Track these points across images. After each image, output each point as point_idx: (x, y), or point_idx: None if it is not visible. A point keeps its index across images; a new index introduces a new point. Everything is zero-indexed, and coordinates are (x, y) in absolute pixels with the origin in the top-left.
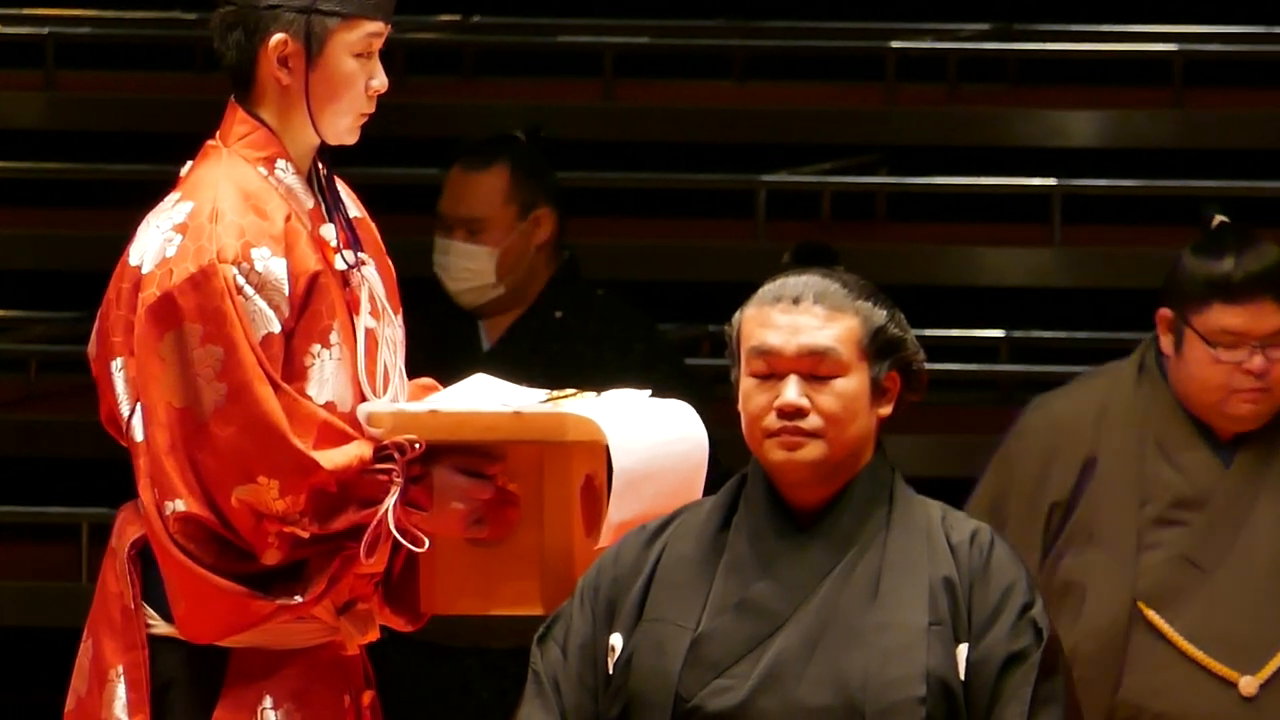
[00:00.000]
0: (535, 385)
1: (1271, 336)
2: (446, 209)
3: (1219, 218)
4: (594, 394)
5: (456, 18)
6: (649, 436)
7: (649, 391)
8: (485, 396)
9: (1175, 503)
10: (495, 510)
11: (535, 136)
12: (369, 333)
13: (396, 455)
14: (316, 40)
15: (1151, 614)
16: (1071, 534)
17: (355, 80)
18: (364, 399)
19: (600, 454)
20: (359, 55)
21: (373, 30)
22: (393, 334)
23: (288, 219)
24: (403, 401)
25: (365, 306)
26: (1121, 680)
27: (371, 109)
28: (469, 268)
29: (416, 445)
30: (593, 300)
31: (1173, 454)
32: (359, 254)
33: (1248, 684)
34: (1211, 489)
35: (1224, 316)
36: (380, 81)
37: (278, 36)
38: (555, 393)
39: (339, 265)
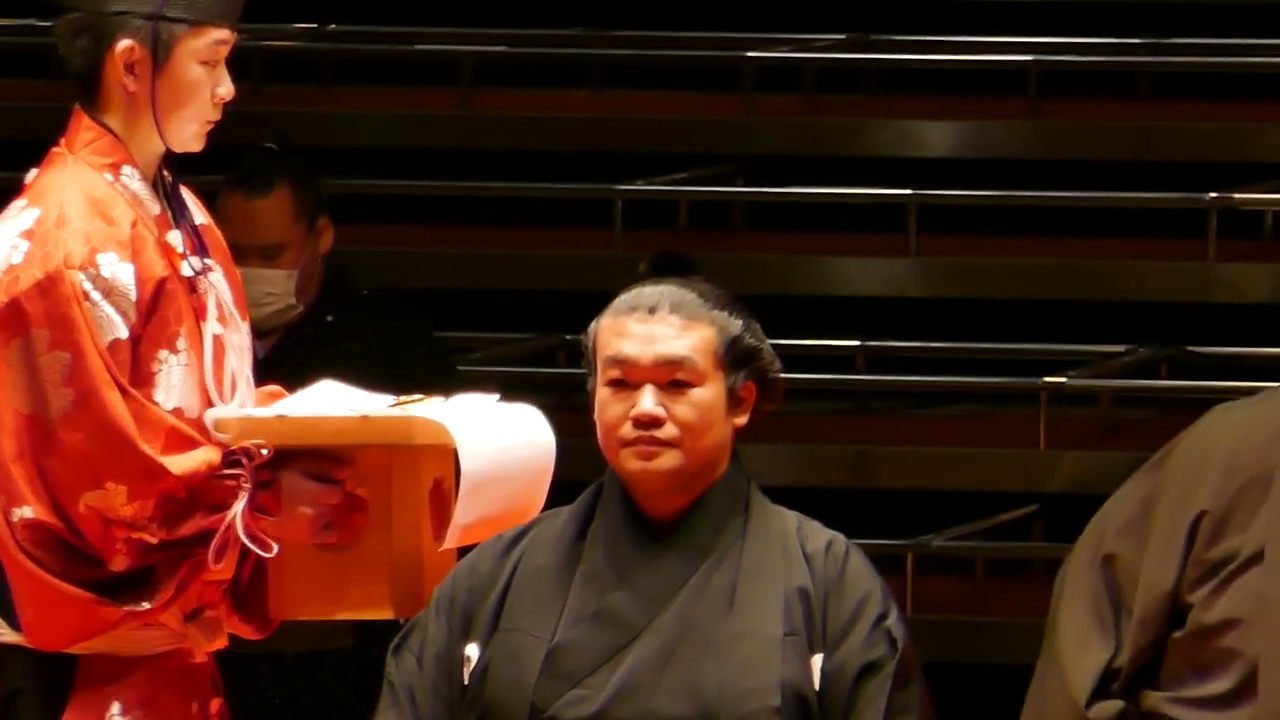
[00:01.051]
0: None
1: None
2: (240, 239)
3: None
4: (441, 398)
5: (313, 25)
6: (496, 440)
7: (497, 396)
8: (333, 401)
9: None
10: (343, 515)
11: (288, 144)
12: (216, 339)
13: (244, 461)
14: (163, 47)
15: None
16: (1234, 565)
17: (201, 88)
18: (211, 405)
19: (448, 458)
20: (205, 63)
21: (219, 38)
22: (240, 340)
23: (134, 225)
24: (250, 407)
25: (212, 313)
26: None
27: (217, 116)
28: (270, 292)
29: (264, 451)
30: (360, 301)
31: None
32: (205, 260)
33: None
34: None
35: None
36: (226, 89)
37: (125, 43)
38: (403, 397)
39: (185, 271)
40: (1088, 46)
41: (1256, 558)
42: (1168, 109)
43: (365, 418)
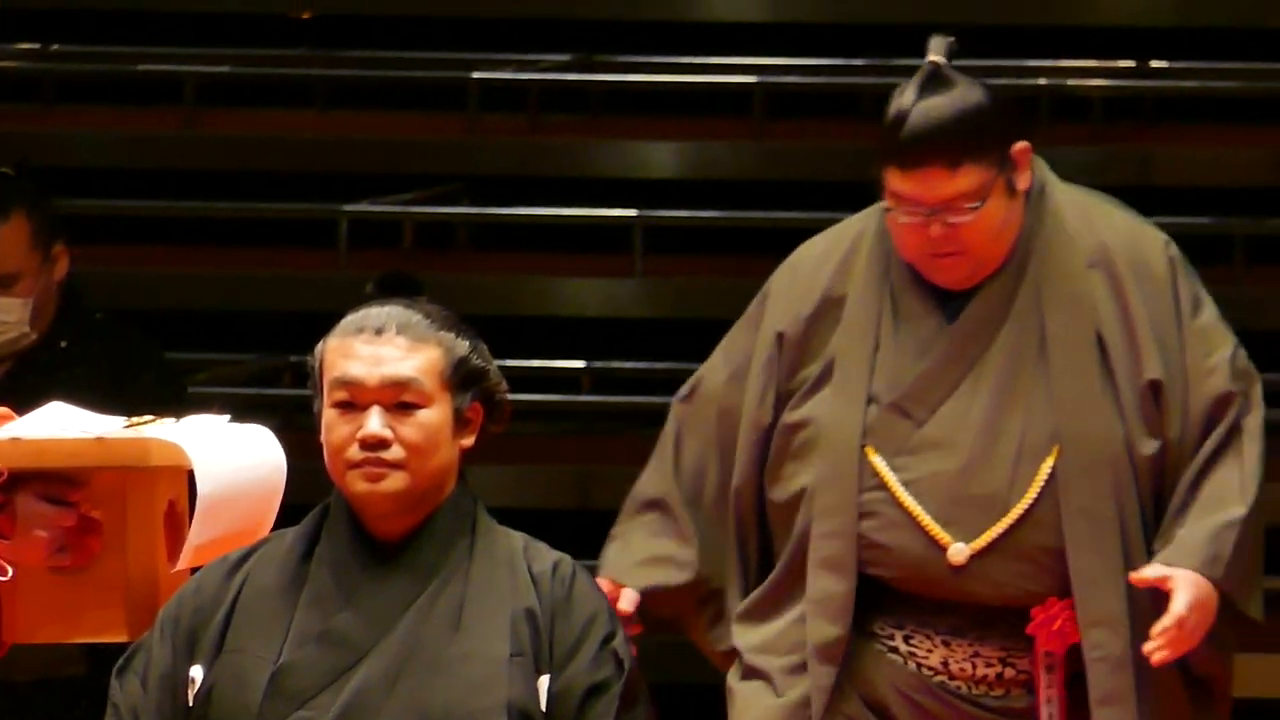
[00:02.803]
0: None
1: (946, 203)
2: None
3: (934, 56)
4: (173, 420)
5: (36, 46)
6: (229, 460)
7: (228, 417)
8: (65, 424)
9: (901, 350)
10: (78, 537)
11: (27, 168)
12: None
13: None
14: None
15: (878, 459)
16: (809, 376)
17: None
18: None
19: (182, 479)
20: None
21: None
22: None
23: None
24: None
25: None
26: (859, 533)
27: None
28: (5, 320)
29: None
30: (93, 324)
31: (901, 300)
32: None
33: (957, 552)
34: (932, 338)
35: (895, 180)
36: None
37: None
38: (135, 419)
39: None
40: (812, 68)
41: (827, 371)
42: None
43: (100, 439)
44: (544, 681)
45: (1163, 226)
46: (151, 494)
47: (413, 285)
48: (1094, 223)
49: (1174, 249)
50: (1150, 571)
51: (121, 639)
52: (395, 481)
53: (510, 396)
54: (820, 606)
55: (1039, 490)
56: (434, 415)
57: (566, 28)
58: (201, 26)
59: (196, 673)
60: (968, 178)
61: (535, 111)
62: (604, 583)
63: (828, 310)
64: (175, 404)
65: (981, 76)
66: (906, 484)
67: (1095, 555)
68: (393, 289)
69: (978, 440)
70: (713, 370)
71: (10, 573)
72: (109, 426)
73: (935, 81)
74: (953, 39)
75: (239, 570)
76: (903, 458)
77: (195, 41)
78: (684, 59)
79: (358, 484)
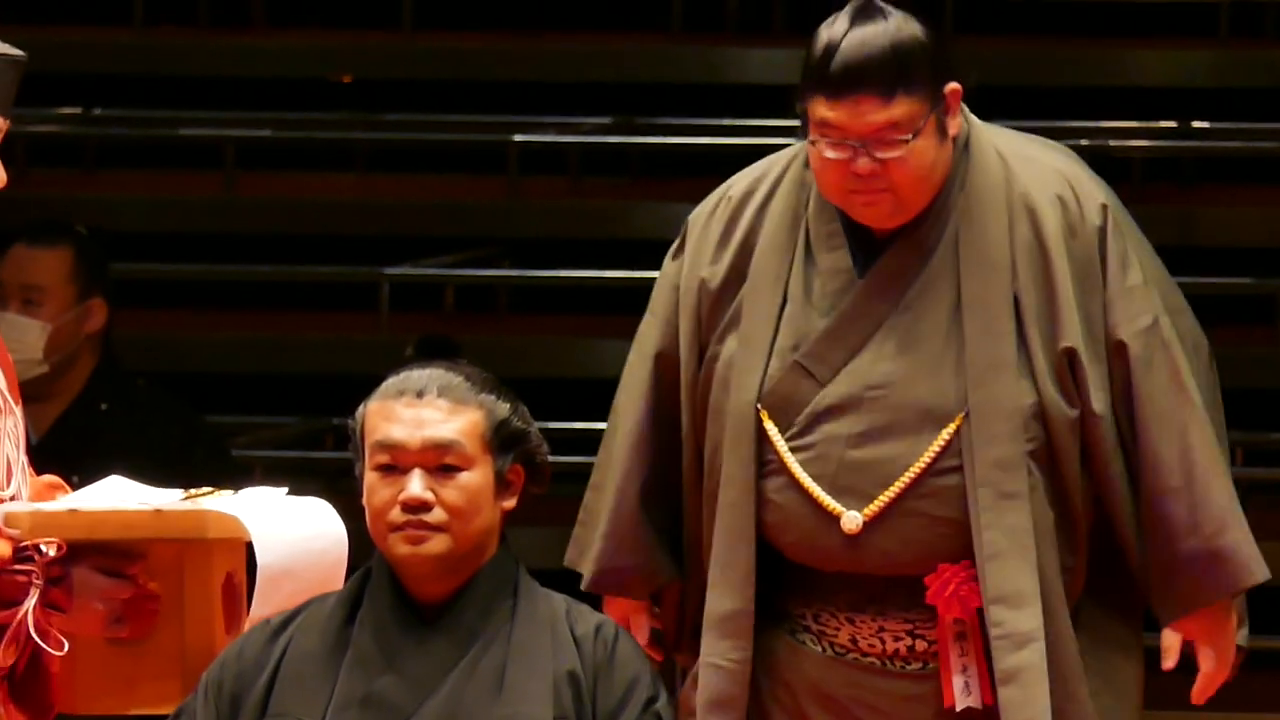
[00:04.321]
0: (85, 477)
1: (876, 134)
2: (6, 277)
3: None
4: (230, 491)
5: (78, 110)
6: (290, 533)
7: (285, 489)
8: (123, 495)
9: (809, 304)
10: (135, 609)
11: (98, 233)
12: None
13: (36, 556)
14: None
15: (770, 425)
16: (729, 324)
17: None
18: None
19: (240, 551)
20: None
21: None
22: (14, 426)
23: None
24: (24, 494)
25: None
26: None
27: None
28: (19, 340)
29: (55, 547)
30: (134, 390)
31: (816, 250)
32: None
33: (850, 520)
34: (841, 292)
35: (822, 109)
36: None
37: None
38: (193, 490)
39: None
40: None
41: (738, 319)
42: None
43: (158, 511)
44: None
45: (1203, 287)
46: (209, 566)
47: (453, 348)
48: (1021, 175)
49: (1111, 201)
50: (1172, 648)
51: None
52: (437, 544)
53: (551, 458)
54: (721, 575)
55: (936, 456)
56: (475, 478)
57: (606, 90)
58: (242, 90)
59: None
60: (900, 108)
61: (575, 174)
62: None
63: (747, 257)
64: (228, 475)
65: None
66: (800, 449)
67: (999, 529)
68: (433, 351)
69: (880, 403)
70: (646, 329)
71: (67, 645)
72: (167, 499)
73: (869, 11)
74: None
75: (282, 634)
76: (798, 421)
77: (236, 105)
78: (723, 121)
79: (400, 547)
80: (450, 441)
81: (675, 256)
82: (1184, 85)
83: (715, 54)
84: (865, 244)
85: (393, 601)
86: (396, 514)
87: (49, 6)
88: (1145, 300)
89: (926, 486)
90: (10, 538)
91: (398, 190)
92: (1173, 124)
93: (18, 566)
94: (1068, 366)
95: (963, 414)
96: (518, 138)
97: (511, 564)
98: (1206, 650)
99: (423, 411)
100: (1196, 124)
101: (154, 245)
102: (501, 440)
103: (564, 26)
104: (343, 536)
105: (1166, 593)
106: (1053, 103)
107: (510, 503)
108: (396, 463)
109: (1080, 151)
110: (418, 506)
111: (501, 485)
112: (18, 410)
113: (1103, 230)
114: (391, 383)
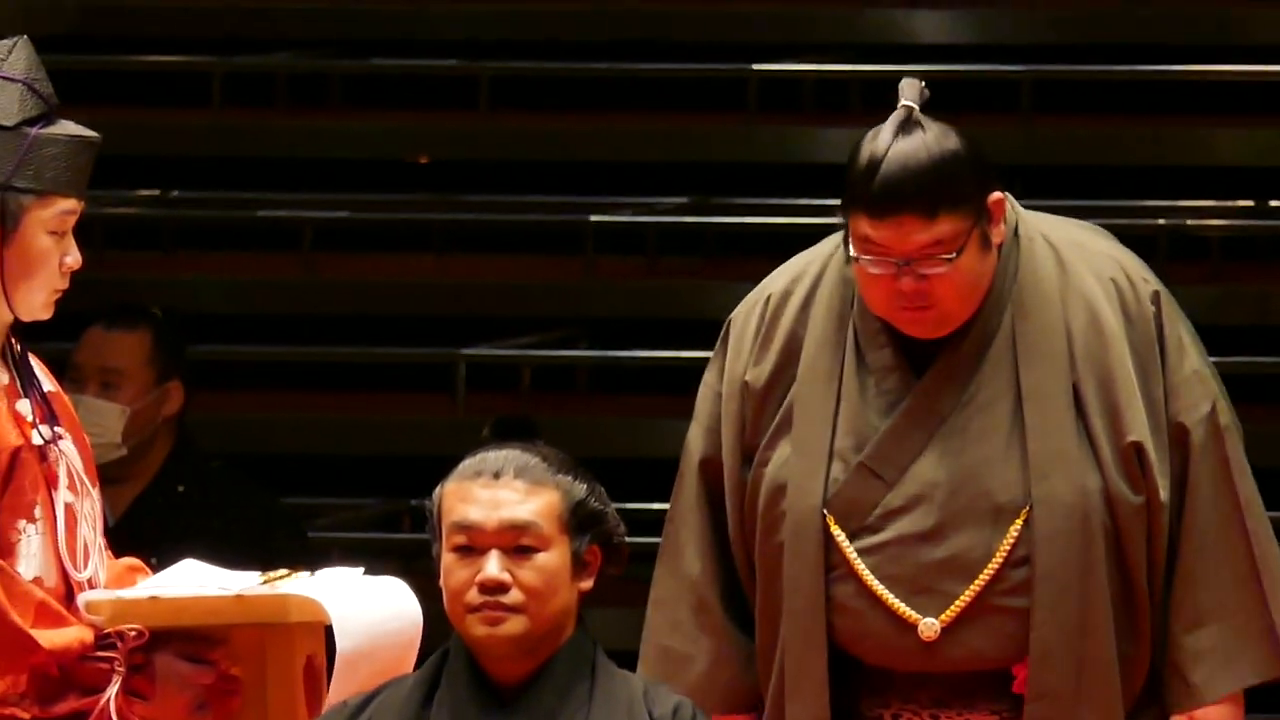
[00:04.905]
0: (162, 559)
1: (919, 253)
2: (84, 359)
3: (907, 101)
4: (307, 573)
5: (156, 192)
6: (367, 615)
7: (361, 570)
8: (202, 580)
9: (866, 405)
10: (218, 695)
11: (174, 316)
12: (68, 507)
13: (118, 643)
14: (11, 218)
15: (836, 529)
16: (779, 427)
17: (49, 257)
18: (65, 575)
19: (319, 633)
20: (53, 232)
21: (67, 208)
22: (91, 509)
23: None
24: (102, 576)
25: (63, 481)
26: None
27: (65, 285)
28: (98, 424)
29: (138, 633)
30: (210, 472)
31: (866, 349)
32: (55, 428)
33: (927, 627)
34: (898, 390)
35: (865, 228)
36: (74, 258)
37: None
38: (270, 574)
39: (36, 440)
40: None
41: (789, 423)
42: None
43: (240, 597)
44: None
45: None
46: (290, 650)
47: (529, 428)
48: (1074, 263)
49: (1159, 285)
50: None
51: None
52: (514, 625)
53: (629, 539)
54: (795, 685)
55: (1006, 553)
56: (552, 558)
57: (682, 170)
58: (320, 172)
59: None
60: (943, 226)
61: (652, 254)
62: None
63: (792, 357)
64: (305, 557)
65: (1099, 218)
66: (868, 552)
67: (1052, 625)
68: (510, 432)
69: (948, 502)
70: (693, 437)
71: None
72: (245, 582)
73: (909, 126)
74: (924, 84)
75: (359, 716)
76: (867, 525)
77: (313, 187)
78: (799, 201)
79: (477, 628)
80: (527, 523)
81: (715, 360)
82: (1261, 164)
83: (791, 134)
84: (916, 340)
85: (470, 683)
86: (474, 595)
87: (126, 88)
88: (1203, 385)
89: (1004, 582)
90: (91, 623)
91: (474, 271)
92: (1250, 203)
93: (100, 654)
94: (1135, 458)
95: (1027, 508)
96: (594, 218)
97: (589, 645)
98: None
99: (499, 492)
100: (1274, 203)
101: (231, 327)
102: (578, 521)
103: (639, 107)
104: (418, 616)
105: (1190, 674)
106: (1130, 182)
107: (587, 584)
108: (473, 544)
109: (1157, 231)
110: (495, 588)
111: (579, 566)
112: (95, 492)
113: (1158, 315)
114: (468, 464)
